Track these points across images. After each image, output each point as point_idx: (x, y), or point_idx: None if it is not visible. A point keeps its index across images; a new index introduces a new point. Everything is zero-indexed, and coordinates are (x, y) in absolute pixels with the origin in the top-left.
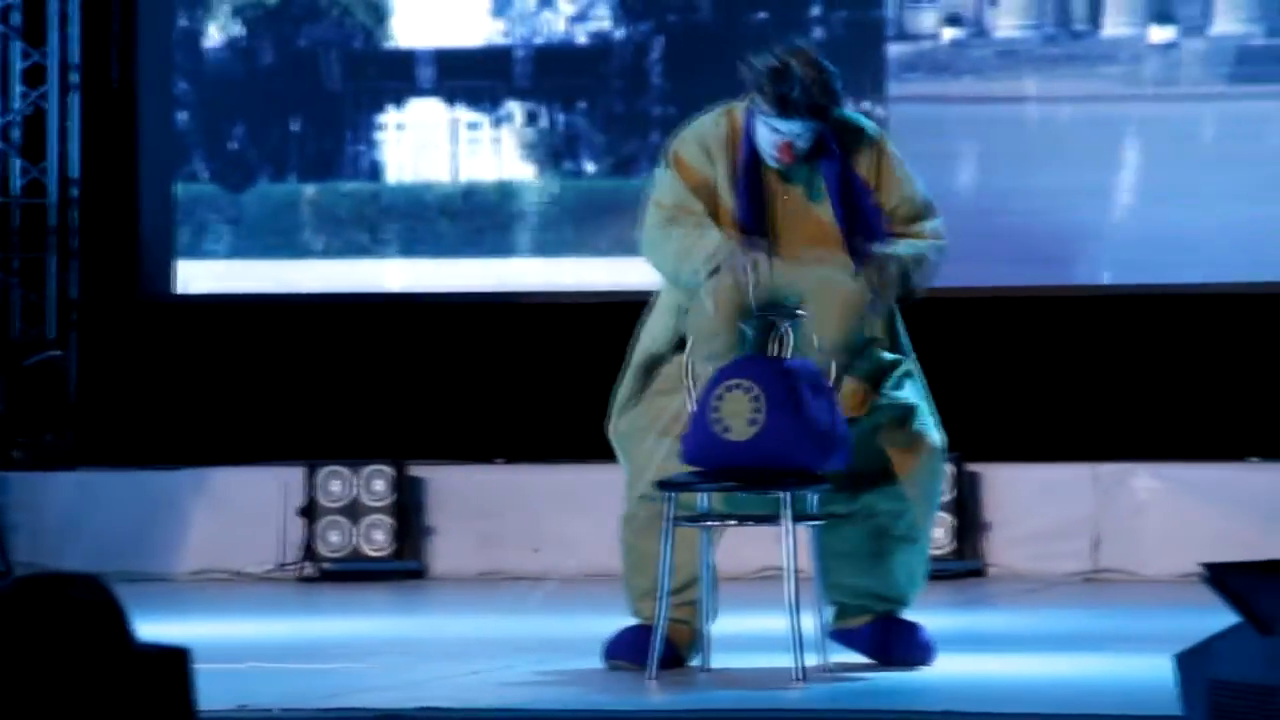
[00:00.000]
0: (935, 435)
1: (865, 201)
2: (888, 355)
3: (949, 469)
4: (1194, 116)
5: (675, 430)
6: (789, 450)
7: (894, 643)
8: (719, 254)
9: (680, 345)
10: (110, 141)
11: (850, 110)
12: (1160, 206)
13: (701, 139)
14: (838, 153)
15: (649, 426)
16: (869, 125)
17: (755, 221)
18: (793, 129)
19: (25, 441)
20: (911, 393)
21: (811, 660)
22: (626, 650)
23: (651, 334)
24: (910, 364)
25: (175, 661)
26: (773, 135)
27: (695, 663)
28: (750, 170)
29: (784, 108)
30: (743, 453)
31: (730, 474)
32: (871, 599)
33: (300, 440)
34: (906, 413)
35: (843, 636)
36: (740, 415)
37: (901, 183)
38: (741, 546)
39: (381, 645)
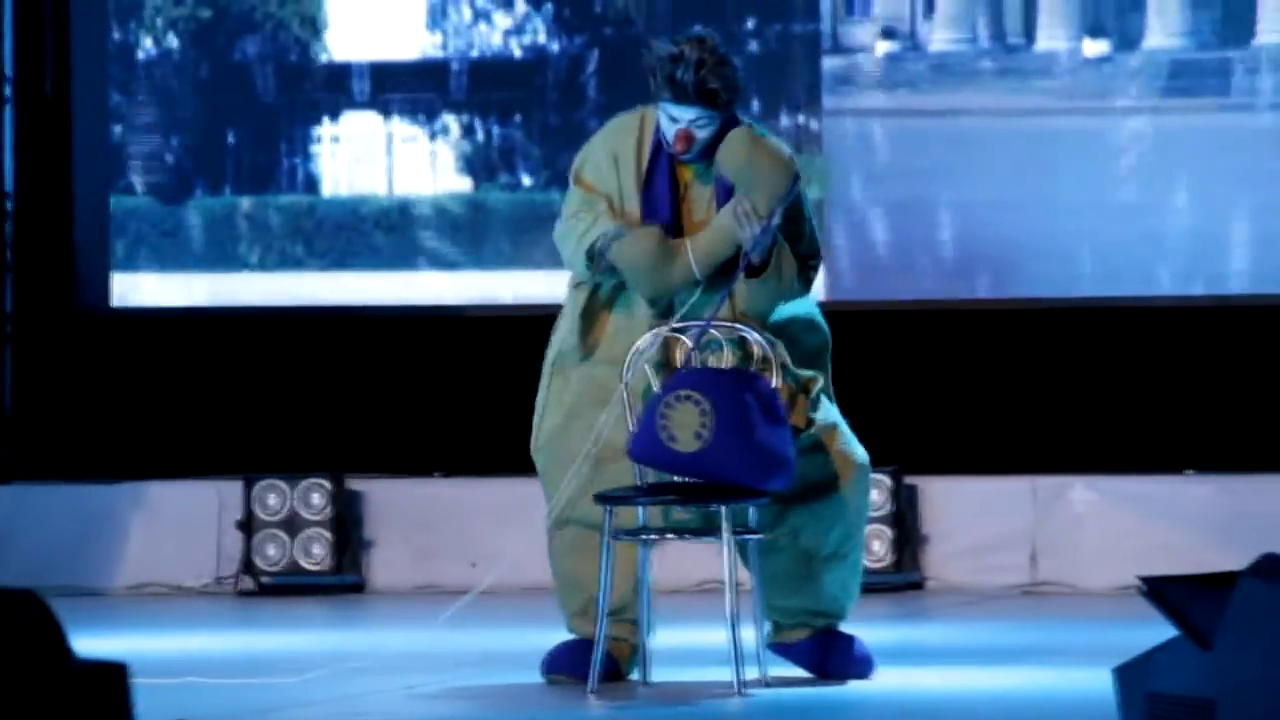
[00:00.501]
0: (860, 452)
1: None
2: (804, 372)
3: (887, 481)
4: (1127, 130)
5: (597, 455)
6: (732, 468)
7: (831, 656)
8: (611, 232)
9: (587, 354)
10: (45, 154)
11: (769, 133)
12: (1094, 220)
13: (609, 147)
14: None
15: (566, 451)
16: (784, 152)
17: (665, 215)
18: (687, 115)
19: None
20: (830, 411)
21: (751, 673)
22: (565, 664)
23: (560, 334)
24: (824, 380)
25: (114, 676)
26: (671, 125)
27: (635, 676)
28: (659, 166)
29: (676, 92)
30: (685, 464)
31: (669, 488)
32: (807, 615)
33: (237, 454)
34: (828, 433)
35: (781, 650)
36: (688, 427)
37: (800, 221)
38: (681, 560)
39: (320, 659)
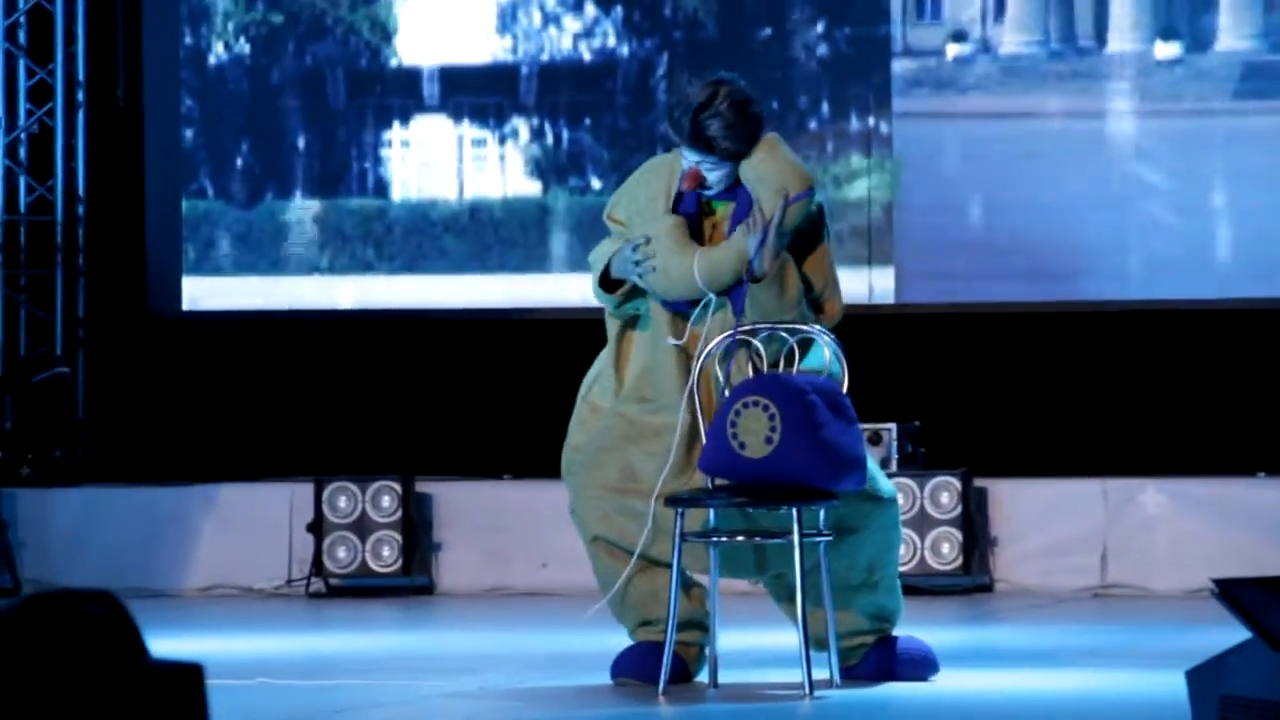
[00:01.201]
0: (886, 487)
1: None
2: None
3: (957, 484)
4: (1199, 132)
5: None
6: (802, 469)
7: (895, 663)
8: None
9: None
10: (116, 158)
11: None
12: (1166, 222)
13: (642, 185)
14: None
15: (593, 481)
16: (801, 164)
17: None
18: (691, 155)
19: (33, 458)
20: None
21: (820, 675)
22: (634, 668)
23: (598, 364)
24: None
25: (190, 677)
26: (686, 162)
27: (702, 679)
28: (687, 203)
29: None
30: (757, 470)
31: (740, 490)
32: (857, 634)
33: (308, 456)
34: None
35: (848, 674)
36: (757, 433)
37: (824, 263)
38: None
39: (389, 661)
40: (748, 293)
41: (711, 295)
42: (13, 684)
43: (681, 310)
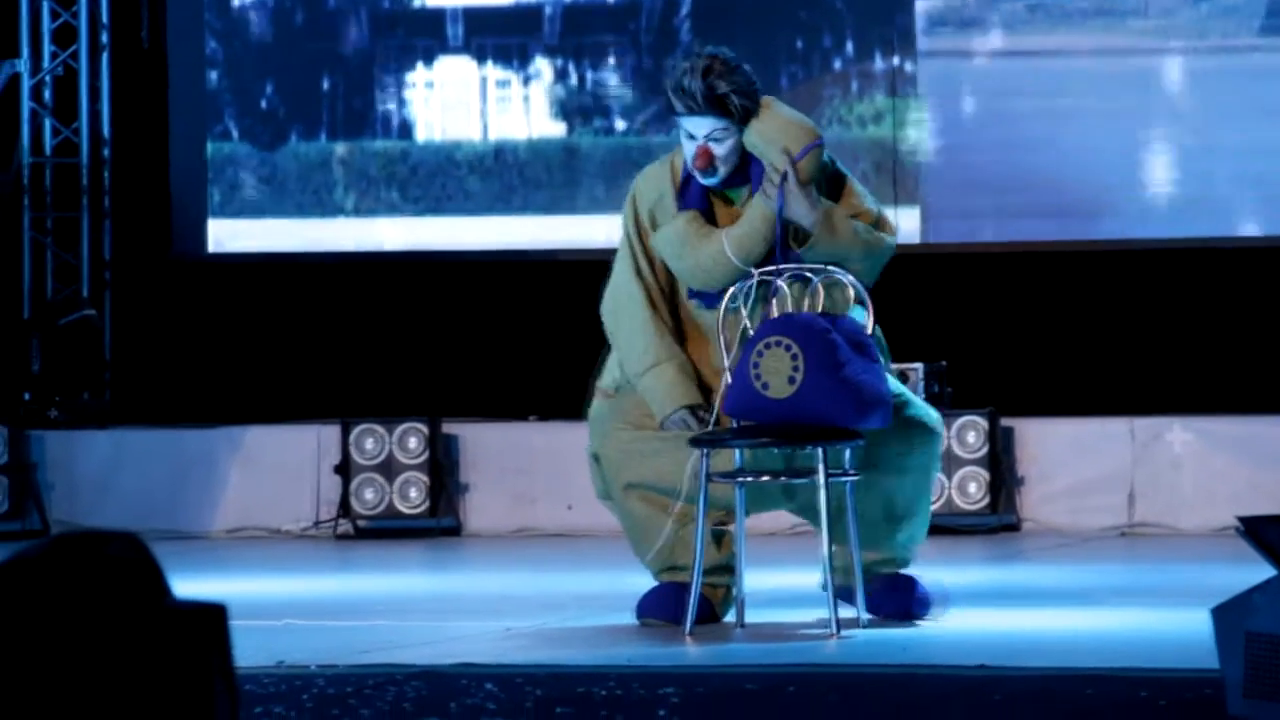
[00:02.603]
0: (932, 415)
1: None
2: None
3: (983, 423)
4: (1225, 69)
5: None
6: (826, 408)
7: (891, 598)
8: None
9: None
10: (141, 101)
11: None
12: (1192, 160)
13: (641, 200)
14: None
15: (622, 422)
16: (803, 119)
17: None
18: (702, 128)
19: (61, 400)
20: (898, 386)
21: (847, 614)
22: (659, 608)
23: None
24: (888, 364)
25: (212, 618)
26: (690, 144)
27: (729, 619)
28: (690, 198)
29: (686, 101)
30: (781, 410)
31: (765, 430)
32: (873, 564)
33: (334, 398)
34: (901, 402)
35: (843, 594)
36: (780, 373)
37: (859, 196)
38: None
39: (417, 602)
40: (807, 256)
41: (753, 271)
42: (37, 624)
43: (715, 305)
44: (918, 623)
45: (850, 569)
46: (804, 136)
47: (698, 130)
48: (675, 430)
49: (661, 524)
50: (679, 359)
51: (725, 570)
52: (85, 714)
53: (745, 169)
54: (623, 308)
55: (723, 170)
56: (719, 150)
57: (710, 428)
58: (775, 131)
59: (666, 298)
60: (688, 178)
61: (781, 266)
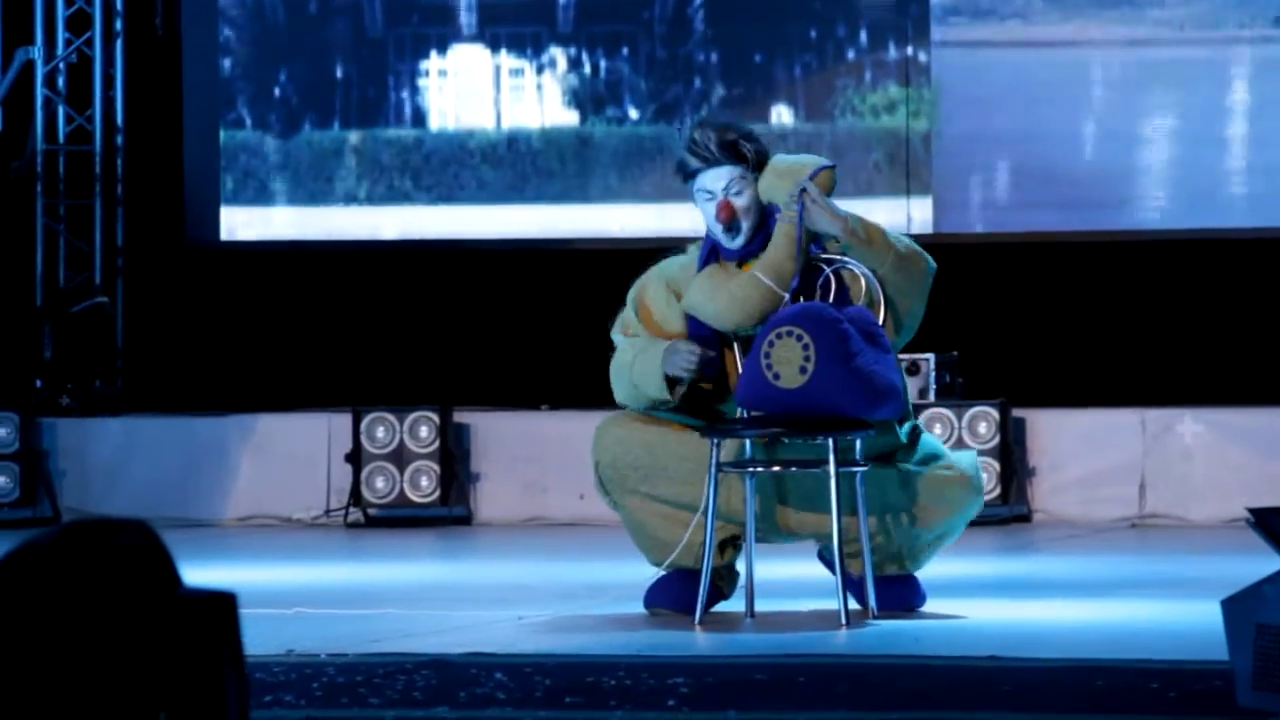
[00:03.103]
0: (976, 474)
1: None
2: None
3: (995, 414)
4: (1238, 60)
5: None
6: (838, 398)
7: (889, 597)
8: (666, 359)
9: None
10: (155, 88)
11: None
12: (1205, 151)
13: (667, 278)
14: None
15: (629, 417)
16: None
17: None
18: (719, 182)
19: (73, 388)
20: (929, 441)
21: (857, 605)
22: (668, 597)
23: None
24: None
25: (222, 606)
26: (709, 203)
27: (739, 608)
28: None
29: (700, 155)
30: (792, 400)
31: (776, 420)
32: (882, 560)
33: (346, 386)
34: (935, 460)
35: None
36: (791, 363)
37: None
38: None
39: (427, 591)
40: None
41: (786, 295)
42: (47, 612)
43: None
44: (928, 613)
45: (859, 558)
46: (810, 165)
47: (715, 184)
48: (685, 373)
49: (675, 536)
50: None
51: (729, 571)
52: (95, 701)
53: (765, 235)
54: (615, 362)
55: (745, 226)
56: (740, 203)
57: (693, 359)
58: (785, 168)
59: None
60: (706, 258)
61: (839, 258)
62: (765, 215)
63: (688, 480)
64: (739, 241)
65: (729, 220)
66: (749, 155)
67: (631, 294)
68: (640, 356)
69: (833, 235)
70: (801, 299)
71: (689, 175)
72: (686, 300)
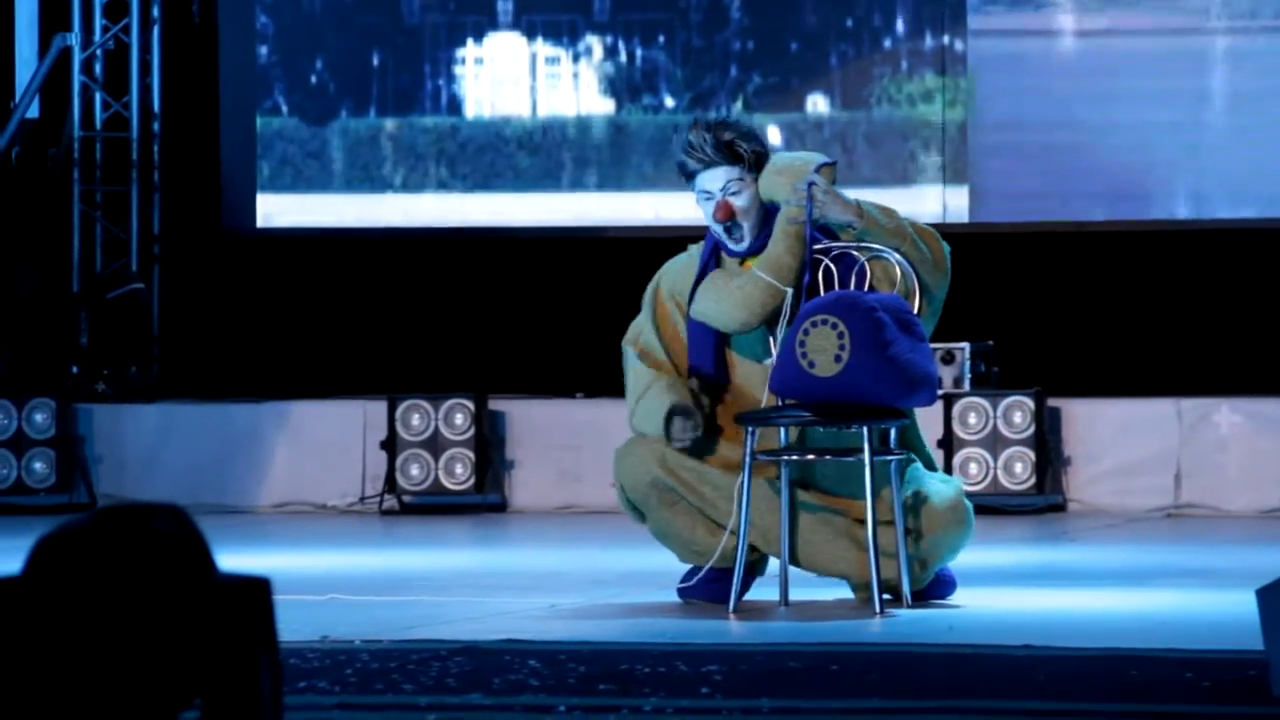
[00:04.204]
0: (947, 496)
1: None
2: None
3: (1030, 403)
4: (1276, 49)
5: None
6: (872, 387)
7: (939, 586)
8: (665, 424)
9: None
10: (192, 75)
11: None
12: (1241, 140)
13: (671, 287)
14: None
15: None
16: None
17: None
18: (716, 182)
19: (109, 374)
20: (915, 474)
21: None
22: (700, 589)
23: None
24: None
25: (257, 591)
26: (708, 203)
27: (773, 596)
28: (713, 264)
29: (696, 155)
30: (827, 388)
31: (810, 409)
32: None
33: (381, 374)
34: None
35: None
36: (826, 351)
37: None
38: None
39: (461, 578)
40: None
41: (788, 291)
42: (83, 596)
43: (763, 357)
44: (961, 603)
45: (893, 554)
46: (810, 161)
47: (713, 185)
48: (682, 444)
49: (704, 541)
50: (667, 378)
51: (759, 561)
52: (130, 685)
53: (769, 234)
54: (627, 386)
55: (746, 227)
56: (738, 203)
57: (696, 433)
58: (784, 165)
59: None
60: (706, 263)
61: (830, 245)
62: (768, 214)
63: (710, 499)
64: (743, 245)
65: (726, 218)
66: (745, 155)
67: (646, 296)
68: (643, 401)
69: (846, 223)
70: (820, 292)
71: (689, 176)
72: (693, 308)
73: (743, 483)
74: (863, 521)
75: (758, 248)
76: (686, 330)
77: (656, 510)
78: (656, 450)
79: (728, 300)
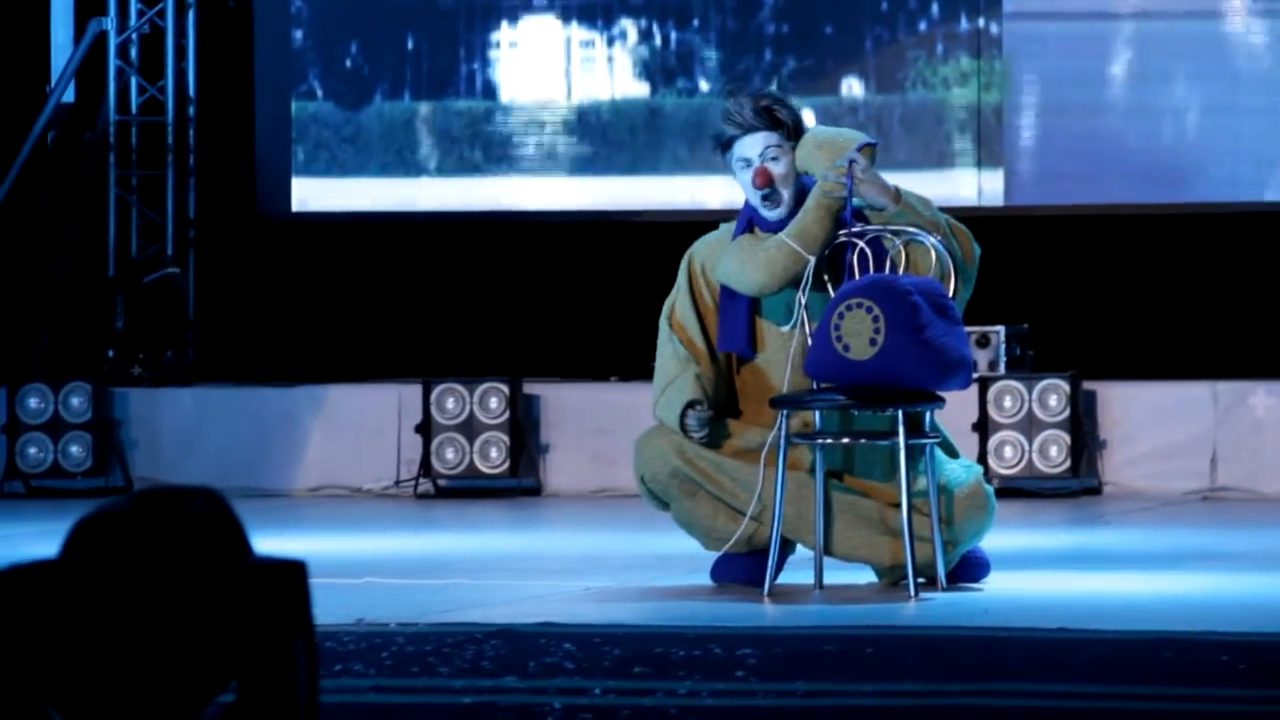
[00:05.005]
0: (964, 479)
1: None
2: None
3: (1065, 386)
4: None
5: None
6: (907, 370)
7: (962, 566)
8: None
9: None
10: (227, 59)
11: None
12: (1277, 122)
13: (702, 258)
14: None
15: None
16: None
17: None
18: (754, 148)
19: (145, 358)
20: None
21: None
22: (733, 571)
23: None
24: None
25: (292, 574)
26: (746, 171)
27: (808, 580)
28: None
29: (735, 122)
30: (862, 372)
31: (845, 392)
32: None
33: (416, 357)
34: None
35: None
36: (861, 335)
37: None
38: None
39: (496, 561)
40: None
41: (811, 260)
42: (120, 578)
43: (785, 322)
44: (997, 585)
45: (926, 537)
46: (852, 139)
47: (751, 151)
48: (693, 438)
49: (726, 528)
50: (695, 369)
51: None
52: (166, 668)
53: (798, 210)
54: (656, 366)
55: (785, 195)
56: (777, 169)
57: (705, 428)
58: (825, 139)
59: (706, 354)
60: (747, 223)
61: (866, 228)
62: (802, 188)
63: (729, 489)
64: (779, 212)
65: (765, 185)
66: (786, 121)
67: (681, 269)
68: (668, 391)
69: (881, 206)
70: (855, 275)
71: (726, 145)
72: (718, 271)
73: (778, 465)
74: (890, 505)
75: (790, 221)
76: (719, 302)
77: (678, 500)
78: (674, 441)
79: (750, 262)
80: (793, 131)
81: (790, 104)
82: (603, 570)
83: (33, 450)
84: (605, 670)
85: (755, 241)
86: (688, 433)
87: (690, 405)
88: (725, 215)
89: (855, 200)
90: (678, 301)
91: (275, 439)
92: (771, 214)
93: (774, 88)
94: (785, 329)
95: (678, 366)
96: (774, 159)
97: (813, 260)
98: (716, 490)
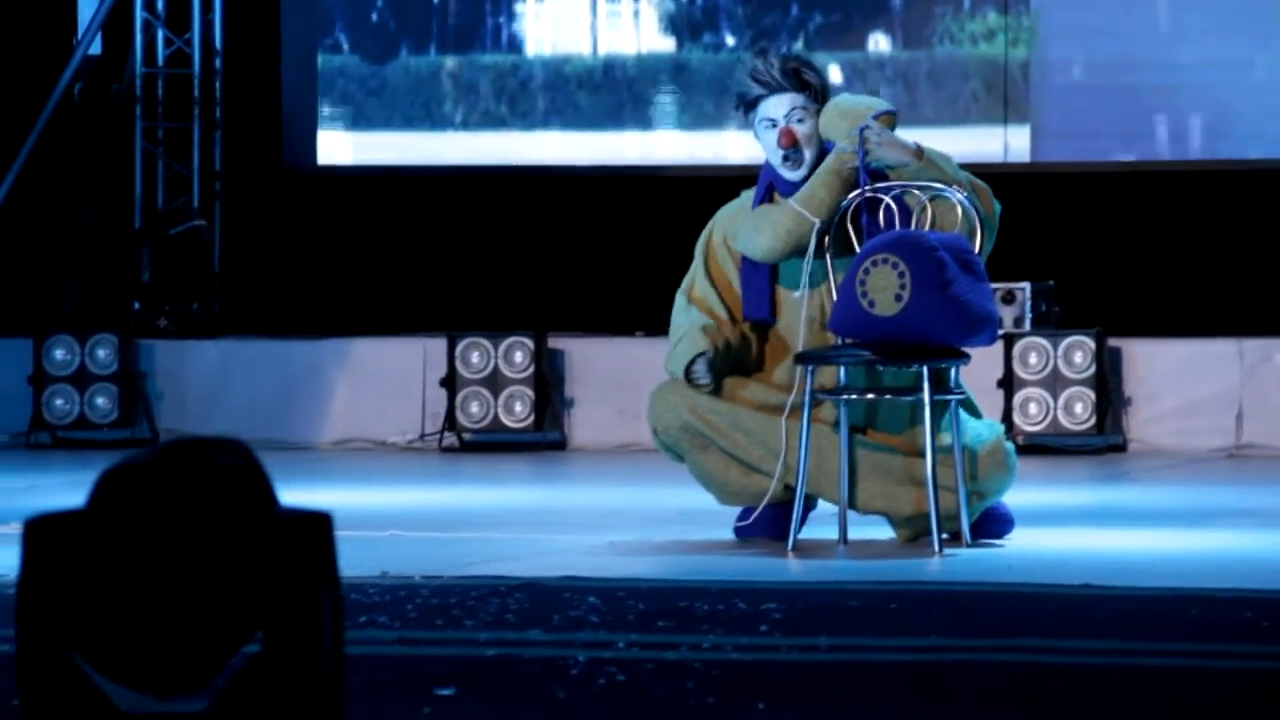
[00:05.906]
0: (984, 437)
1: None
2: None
3: (1090, 344)
4: None
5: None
6: (933, 327)
7: (984, 520)
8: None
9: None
10: (253, 12)
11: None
12: None
13: (724, 229)
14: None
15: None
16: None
17: None
18: (780, 109)
19: (171, 310)
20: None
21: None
22: (757, 526)
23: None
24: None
25: (318, 526)
26: (771, 133)
27: (832, 534)
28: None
29: (762, 83)
30: (888, 327)
31: (870, 348)
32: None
33: (441, 311)
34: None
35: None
36: (886, 290)
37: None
38: None
39: (521, 515)
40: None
41: (817, 222)
42: (146, 529)
43: (796, 284)
44: (1021, 542)
45: (951, 487)
46: (873, 104)
47: (778, 111)
48: (699, 384)
49: (741, 482)
50: (705, 322)
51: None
52: (192, 618)
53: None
54: (671, 327)
55: (807, 155)
56: (802, 130)
57: (710, 377)
58: (847, 108)
59: (725, 322)
60: (762, 198)
61: (891, 185)
62: (822, 153)
63: (742, 445)
64: (800, 173)
65: (790, 144)
66: (813, 83)
67: (699, 245)
68: (680, 344)
69: (904, 164)
70: (863, 236)
71: (750, 105)
72: (737, 241)
73: (802, 420)
74: (914, 455)
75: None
76: (740, 272)
77: (690, 453)
78: (687, 395)
79: (758, 228)
80: (819, 94)
81: (818, 67)
82: (627, 524)
83: (59, 402)
84: (629, 624)
85: (768, 209)
86: (693, 380)
87: (699, 356)
88: (750, 171)
89: (876, 164)
90: (696, 281)
91: (300, 392)
92: (792, 174)
93: (800, 45)
94: (797, 295)
95: (689, 323)
96: (800, 120)
97: (818, 223)
98: (729, 445)
